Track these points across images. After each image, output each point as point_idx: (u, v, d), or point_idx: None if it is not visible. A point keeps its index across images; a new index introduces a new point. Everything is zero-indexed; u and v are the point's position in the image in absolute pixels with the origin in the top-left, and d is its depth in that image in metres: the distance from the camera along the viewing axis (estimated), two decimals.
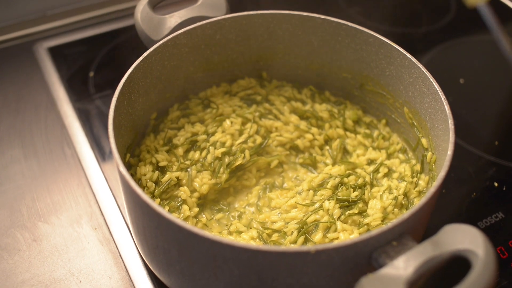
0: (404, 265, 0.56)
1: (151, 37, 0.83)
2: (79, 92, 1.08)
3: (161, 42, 0.81)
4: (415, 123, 0.84)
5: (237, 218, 0.81)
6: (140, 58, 0.78)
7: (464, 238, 0.57)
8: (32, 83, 1.10)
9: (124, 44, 1.19)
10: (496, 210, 0.88)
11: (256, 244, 0.75)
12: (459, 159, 0.88)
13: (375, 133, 0.90)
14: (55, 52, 1.16)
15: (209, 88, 0.93)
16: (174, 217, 0.60)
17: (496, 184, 0.93)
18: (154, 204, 0.61)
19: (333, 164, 0.87)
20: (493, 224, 0.86)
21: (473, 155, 0.98)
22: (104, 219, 0.86)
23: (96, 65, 1.14)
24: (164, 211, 0.60)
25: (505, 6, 1.35)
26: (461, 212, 0.89)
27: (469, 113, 1.06)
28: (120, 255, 0.82)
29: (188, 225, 0.59)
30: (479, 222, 0.86)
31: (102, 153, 0.97)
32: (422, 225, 0.70)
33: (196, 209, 0.79)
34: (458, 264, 0.59)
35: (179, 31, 0.83)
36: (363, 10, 1.30)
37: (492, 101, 1.11)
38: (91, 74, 1.13)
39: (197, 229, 0.59)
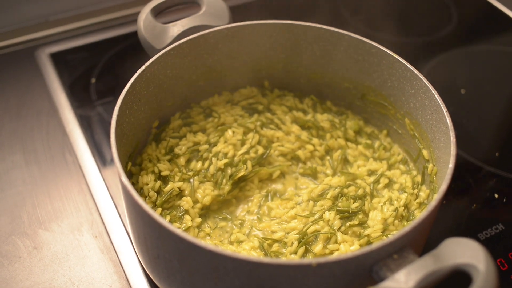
0: (405, 278, 0.56)
1: (154, 45, 0.83)
2: (81, 98, 1.08)
3: (163, 51, 0.81)
4: (416, 135, 0.84)
5: (238, 226, 0.81)
6: (143, 67, 0.78)
7: (465, 252, 0.57)
8: (33, 89, 1.10)
9: (126, 50, 1.19)
10: (496, 221, 0.88)
11: (257, 254, 0.75)
12: (459, 170, 0.88)
13: (376, 143, 0.91)
14: (57, 58, 1.16)
15: (211, 97, 0.94)
16: (175, 228, 0.60)
17: (496, 196, 0.93)
18: (156, 214, 0.61)
19: (333, 174, 0.87)
20: (493, 235, 0.86)
21: (474, 166, 0.98)
22: (105, 227, 0.86)
23: (98, 71, 1.14)
24: (165, 222, 0.60)
25: (504, 15, 1.35)
26: (461, 223, 0.89)
27: (470, 124, 1.06)
28: (120, 263, 0.82)
29: (190, 236, 0.59)
30: (479, 234, 0.86)
31: (103, 160, 0.97)
32: (423, 238, 0.70)
33: (199, 220, 0.79)
34: (459, 278, 0.59)
35: (182, 40, 0.83)
36: (365, 19, 1.31)
37: (493, 112, 1.11)
38: (93, 80, 1.13)
39: (198, 241, 0.59)
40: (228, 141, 0.86)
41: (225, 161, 0.83)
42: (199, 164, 0.83)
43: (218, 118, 0.90)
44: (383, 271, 0.59)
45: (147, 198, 0.79)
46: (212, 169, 0.82)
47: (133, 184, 0.81)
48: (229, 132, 0.86)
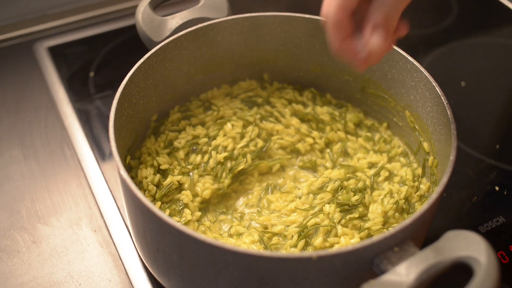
0: (406, 271, 0.56)
1: (152, 38, 0.83)
2: (79, 92, 1.07)
3: (162, 43, 0.81)
4: (416, 127, 0.83)
5: (238, 219, 0.80)
6: (141, 60, 0.78)
7: (467, 244, 0.56)
8: (32, 82, 1.09)
9: (124, 44, 1.18)
10: (497, 214, 0.88)
11: (257, 247, 0.75)
12: (459, 163, 0.87)
13: (376, 136, 0.90)
14: (55, 52, 1.15)
15: (210, 90, 0.93)
16: (175, 222, 0.59)
17: (497, 188, 0.92)
18: (155, 208, 0.60)
19: (333, 167, 0.86)
20: (494, 228, 0.86)
21: (474, 159, 0.97)
22: (104, 221, 0.86)
23: (96, 65, 1.14)
24: (165, 216, 0.60)
25: (505, 7, 1.34)
26: (462, 216, 0.88)
27: (470, 116, 1.06)
28: (120, 257, 0.81)
29: (189, 230, 0.58)
30: (480, 227, 0.86)
31: (102, 154, 0.96)
32: (424, 231, 0.69)
33: (198, 213, 0.79)
34: (460, 271, 0.59)
35: (181, 33, 0.82)
36: None
37: (493, 104, 1.11)
38: (92, 74, 1.12)
39: (198, 234, 0.58)
40: (228, 134, 0.85)
41: (224, 154, 0.82)
42: (199, 157, 0.83)
43: (217, 111, 0.89)
44: (383, 264, 0.58)
45: (146, 192, 0.78)
46: (211, 162, 0.82)
47: (132, 177, 0.80)
48: (228, 125, 0.86)
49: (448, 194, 0.90)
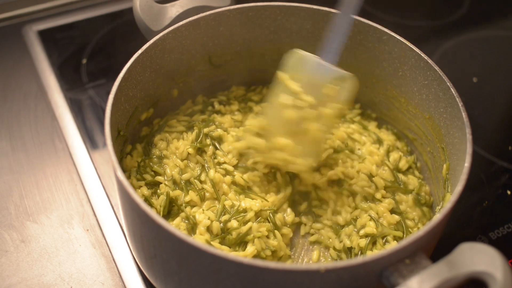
0: (418, 286, 0.53)
1: (151, 27, 0.79)
2: (71, 80, 1.03)
3: (161, 34, 0.77)
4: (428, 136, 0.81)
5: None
6: (139, 52, 0.74)
7: (482, 259, 0.54)
8: (20, 69, 1.05)
9: (120, 28, 1.14)
10: (508, 220, 0.85)
11: None
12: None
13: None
14: (45, 36, 1.11)
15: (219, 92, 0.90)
16: (175, 229, 0.56)
17: (509, 192, 0.90)
18: (154, 214, 0.57)
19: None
20: (505, 235, 0.83)
21: (485, 160, 0.94)
22: (97, 220, 0.82)
23: (89, 51, 1.10)
24: (165, 222, 0.57)
25: None
26: (472, 221, 0.86)
27: (482, 115, 1.03)
28: (113, 259, 0.78)
29: (190, 238, 0.56)
30: (491, 233, 0.83)
31: (94, 147, 0.92)
32: (435, 241, 0.67)
33: None
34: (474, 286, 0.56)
35: (181, 22, 0.79)
36: (371, 0, 1.26)
37: (506, 102, 1.08)
38: (84, 61, 1.08)
39: (199, 243, 0.55)
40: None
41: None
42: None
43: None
44: (394, 277, 0.56)
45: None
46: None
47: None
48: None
49: (458, 198, 0.87)
